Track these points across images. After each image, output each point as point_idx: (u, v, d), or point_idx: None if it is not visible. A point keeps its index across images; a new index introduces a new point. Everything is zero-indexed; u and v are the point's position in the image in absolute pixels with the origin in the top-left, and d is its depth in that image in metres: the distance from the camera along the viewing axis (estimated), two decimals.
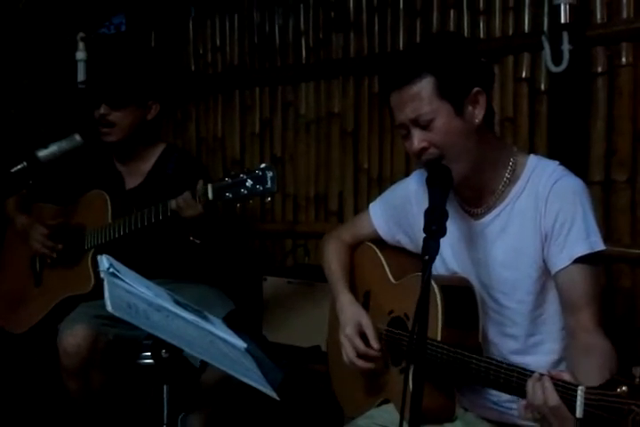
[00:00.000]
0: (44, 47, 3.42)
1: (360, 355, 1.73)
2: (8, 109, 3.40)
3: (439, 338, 1.57)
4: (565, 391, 1.27)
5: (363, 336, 1.75)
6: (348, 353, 1.74)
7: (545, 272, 1.58)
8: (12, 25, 3.36)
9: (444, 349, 1.55)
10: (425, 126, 1.55)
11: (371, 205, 1.93)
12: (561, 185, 1.57)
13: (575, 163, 2.32)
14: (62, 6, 3.41)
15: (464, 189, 1.66)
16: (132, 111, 2.51)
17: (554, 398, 1.27)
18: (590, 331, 1.51)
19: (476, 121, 1.58)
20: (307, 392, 2.46)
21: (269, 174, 2.06)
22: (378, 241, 1.91)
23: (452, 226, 1.66)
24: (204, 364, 2.26)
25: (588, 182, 2.31)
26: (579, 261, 1.52)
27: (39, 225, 2.52)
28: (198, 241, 2.31)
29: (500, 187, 1.62)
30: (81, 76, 3.34)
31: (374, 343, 1.72)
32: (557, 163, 1.64)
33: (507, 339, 1.63)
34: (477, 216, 1.66)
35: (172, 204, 2.20)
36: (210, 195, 2.12)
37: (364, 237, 1.94)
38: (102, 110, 2.48)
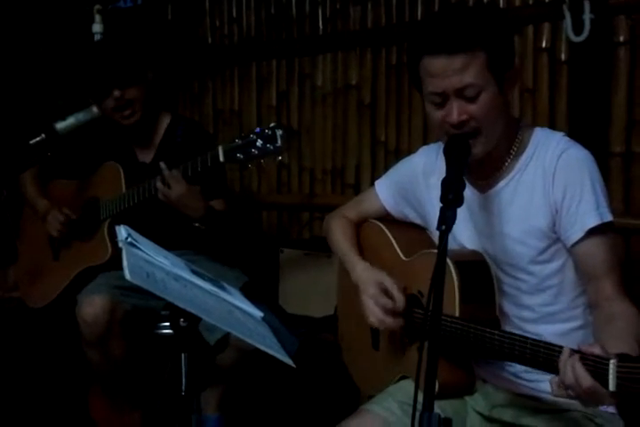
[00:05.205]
0: (61, 20, 3.42)
1: (388, 312, 1.69)
2: (27, 84, 3.41)
3: (457, 314, 1.56)
4: (596, 366, 1.25)
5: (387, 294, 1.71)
6: (376, 313, 1.69)
7: (554, 243, 1.58)
8: None
9: (464, 325, 1.54)
10: (470, 98, 1.51)
11: (376, 182, 1.92)
12: (567, 157, 1.56)
13: (596, 134, 2.30)
14: None
15: (471, 162, 1.63)
16: (139, 84, 2.47)
17: (587, 379, 1.25)
18: (612, 299, 1.50)
19: (510, 97, 1.58)
20: (322, 361, 2.48)
21: (279, 133, 2.06)
22: (383, 218, 1.90)
23: None
24: (220, 343, 2.27)
25: (609, 154, 2.29)
26: (592, 232, 1.53)
27: (58, 213, 2.56)
28: (203, 227, 2.32)
29: (507, 160, 1.62)
30: None
31: (399, 296, 1.68)
32: (562, 134, 1.63)
33: (522, 309, 1.63)
34: (483, 188, 1.66)
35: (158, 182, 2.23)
36: (221, 156, 2.13)
37: (370, 215, 1.92)
38: (116, 94, 2.41)
